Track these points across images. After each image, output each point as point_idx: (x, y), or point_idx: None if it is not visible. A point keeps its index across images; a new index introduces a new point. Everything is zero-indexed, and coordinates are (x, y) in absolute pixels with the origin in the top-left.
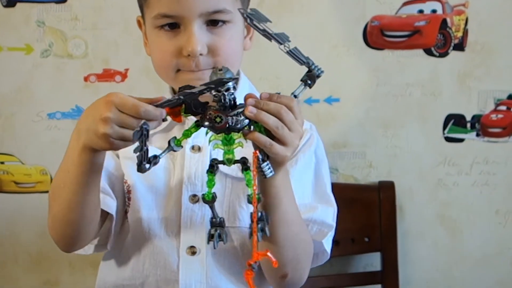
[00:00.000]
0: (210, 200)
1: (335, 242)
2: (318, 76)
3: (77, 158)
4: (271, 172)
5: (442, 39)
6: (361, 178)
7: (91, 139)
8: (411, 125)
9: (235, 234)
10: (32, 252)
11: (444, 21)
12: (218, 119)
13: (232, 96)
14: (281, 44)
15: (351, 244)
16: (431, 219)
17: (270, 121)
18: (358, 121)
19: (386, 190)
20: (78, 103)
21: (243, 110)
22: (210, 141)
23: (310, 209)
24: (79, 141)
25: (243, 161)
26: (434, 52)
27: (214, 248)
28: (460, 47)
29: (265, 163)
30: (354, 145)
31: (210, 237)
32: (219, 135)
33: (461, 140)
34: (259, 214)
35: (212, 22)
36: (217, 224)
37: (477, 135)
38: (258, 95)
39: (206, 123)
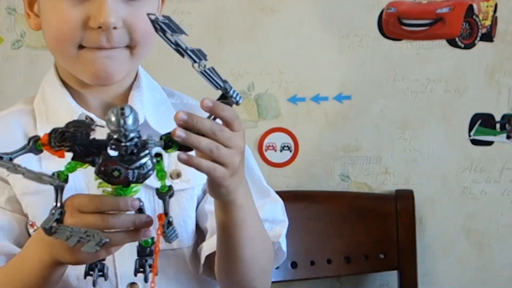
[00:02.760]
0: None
1: (346, 259)
2: (236, 104)
3: (47, 272)
4: (175, 237)
5: (468, 28)
6: (376, 186)
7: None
8: (432, 126)
9: (175, 257)
10: None
11: (470, 8)
12: (116, 173)
13: (134, 142)
14: (195, 62)
15: (364, 261)
16: (456, 232)
17: (202, 144)
18: (372, 121)
19: (404, 199)
20: None
21: (147, 158)
22: (98, 187)
23: (257, 208)
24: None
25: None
26: (459, 43)
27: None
28: (488, 37)
29: (169, 229)
30: (367, 149)
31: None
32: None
33: (489, 143)
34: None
35: None
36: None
37: (508, 137)
38: (159, 92)
39: (101, 176)
